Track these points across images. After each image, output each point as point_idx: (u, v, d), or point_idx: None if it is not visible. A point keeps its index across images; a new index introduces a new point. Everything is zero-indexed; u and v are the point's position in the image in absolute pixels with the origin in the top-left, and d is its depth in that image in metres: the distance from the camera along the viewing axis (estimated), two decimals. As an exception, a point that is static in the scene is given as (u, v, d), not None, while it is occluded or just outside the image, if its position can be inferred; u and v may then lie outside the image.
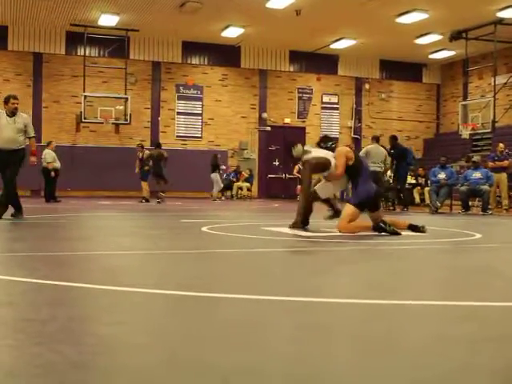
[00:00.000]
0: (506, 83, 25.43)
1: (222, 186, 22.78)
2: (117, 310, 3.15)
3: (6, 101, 10.14)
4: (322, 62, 28.00)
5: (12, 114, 10.06)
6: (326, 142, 8.98)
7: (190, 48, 26.36)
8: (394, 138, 17.32)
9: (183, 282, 4.06)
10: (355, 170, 8.23)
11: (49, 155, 18.33)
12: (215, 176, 21.96)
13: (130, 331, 2.69)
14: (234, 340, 2.54)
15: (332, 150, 8.64)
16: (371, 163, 14.58)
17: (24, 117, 10.35)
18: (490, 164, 17.26)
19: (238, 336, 2.61)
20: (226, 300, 3.45)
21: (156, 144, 20.65)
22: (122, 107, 24.20)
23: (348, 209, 8.19)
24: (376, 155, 15.65)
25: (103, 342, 2.49)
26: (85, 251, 5.91)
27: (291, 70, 28.08)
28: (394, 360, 2.30)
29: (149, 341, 2.53)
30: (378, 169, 15.39)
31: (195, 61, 26.75)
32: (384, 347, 2.48)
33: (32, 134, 10.31)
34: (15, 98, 10.23)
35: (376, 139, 16.61)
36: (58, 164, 18.51)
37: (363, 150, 16.16)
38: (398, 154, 16.75)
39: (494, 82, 23.47)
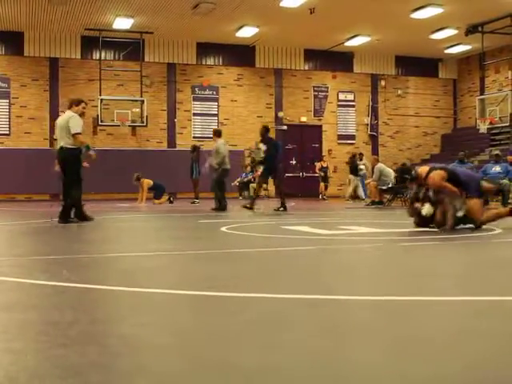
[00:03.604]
0: (523, 76, 25.23)
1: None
2: (139, 312, 3.15)
3: (78, 103, 10.17)
4: (337, 60, 27.91)
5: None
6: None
7: (205, 49, 26.37)
8: (265, 130, 15.42)
9: (204, 282, 4.06)
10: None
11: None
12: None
13: (152, 332, 2.69)
14: (258, 340, 2.54)
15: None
16: (225, 163, 14.75)
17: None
18: (510, 158, 17.13)
19: (262, 336, 2.60)
20: (250, 299, 3.44)
21: (193, 147, 20.33)
22: (138, 110, 24.27)
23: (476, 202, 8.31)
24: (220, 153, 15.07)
25: (126, 344, 2.49)
26: (105, 253, 5.92)
27: (306, 68, 28.02)
28: (420, 356, 2.29)
29: (172, 341, 2.53)
30: (228, 166, 15.17)
31: (210, 61, 26.77)
32: (409, 343, 2.46)
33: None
34: (86, 103, 10.41)
35: (217, 133, 15.97)
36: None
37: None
38: (270, 147, 14.89)
39: (511, 75, 23.30)
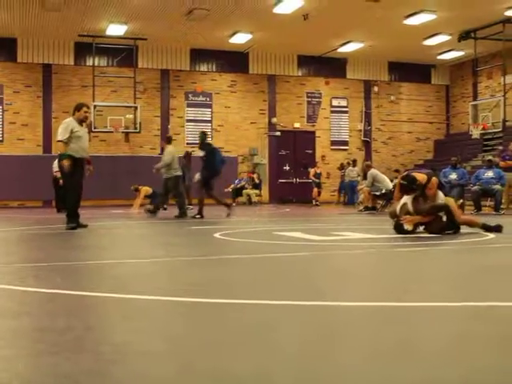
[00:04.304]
0: (515, 82, 25.32)
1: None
2: (132, 318, 3.15)
3: (79, 108, 10.06)
4: (331, 66, 27.98)
5: (81, 122, 10.05)
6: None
7: (198, 55, 26.41)
8: (203, 135, 14.93)
9: (197, 289, 4.06)
10: None
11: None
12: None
13: (145, 339, 2.69)
14: (250, 346, 2.54)
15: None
16: (172, 170, 14.40)
17: (85, 126, 10.36)
18: (502, 163, 17.19)
19: (254, 342, 2.60)
20: (243, 306, 3.44)
21: (185, 154, 20.29)
22: (131, 116, 24.28)
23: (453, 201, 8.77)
24: (175, 160, 14.70)
25: (119, 351, 2.49)
26: (98, 260, 5.92)
27: (300, 74, 28.08)
28: (412, 363, 2.29)
29: (165, 348, 2.54)
30: (179, 173, 14.79)
31: (203, 68, 26.80)
32: (403, 350, 2.47)
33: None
34: (88, 107, 10.26)
35: (167, 140, 15.46)
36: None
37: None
38: (207, 154, 14.33)
39: (504, 81, 23.41)
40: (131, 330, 2.83)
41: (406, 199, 8.47)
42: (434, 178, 8.74)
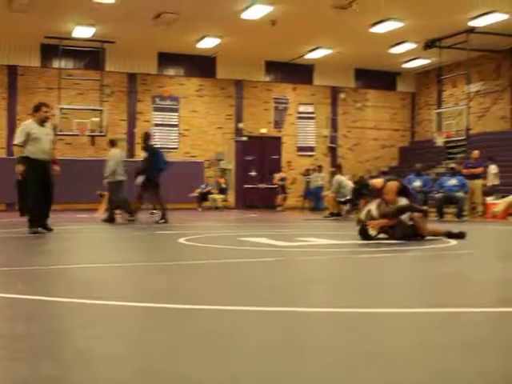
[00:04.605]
0: (478, 91, 25.75)
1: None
2: (93, 324, 3.14)
3: (37, 109, 9.82)
4: (298, 72, 28.13)
5: (42, 123, 9.85)
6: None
7: (166, 59, 26.35)
8: (146, 136, 14.67)
9: (160, 294, 4.06)
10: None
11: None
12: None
13: (107, 344, 2.69)
14: (211, 352, 2.55)
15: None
16: (116, 174, 14.12)
17: (49, 126, 10.15)
18: (465, 171, 17.44)
19: (215, 348, 2.62)
20: (203, 311, 3.45)
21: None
22: (97, 119, 24.10)
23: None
24: (118, 162, 14.39)
25: (80, 356, 2.49)
26: (60, 265, 5.88)
27: (267, 80, 28.17)
28: (375, 369, 2.32)
29: (126, 354, 2.54)
30: (122, 177, 14.37)
31: (171, 72, 26.75)
32: (366, 356, 2.50)
33: (54, 144, 10.18)
34: (47, 105, 10.00)
35: (112, 143, 15.03)
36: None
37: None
38: (150, 156, 14.12)
39: (468, 90, 23.77)
40: (92, 336, 2.82)
41: (371, 205, 8.55)
42: (391, 182, 8.78)
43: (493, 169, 19.03)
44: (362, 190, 8.67)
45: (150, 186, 14.02)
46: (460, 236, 8.65)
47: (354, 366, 2.35)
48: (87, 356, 2.50)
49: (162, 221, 13.73)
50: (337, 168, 18.47)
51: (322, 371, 2.29)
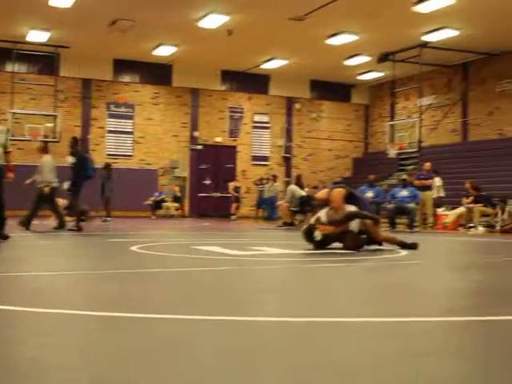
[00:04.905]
0: (430, 104, 26.23)
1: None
2: (44, 332, 3.12)
3: None
4: (254, 82, 28.26)
5: None
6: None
7: (122, 66, 26.21)
8: (74, 141, 14.25)
9: (111, 303, 4.04)
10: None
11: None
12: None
13: (58, 353, 2.67)
14: (163, 361, 2.56)
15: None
16: (50, 181, 13.61)
17: (2, 130, 9.89)
18: (416, 182, 17.73)
19: (167, 357, 2.62)
20: (156, 320, 3.45)
21: (105, 165, 20.05)
22: (51, 125, 23.80)
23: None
24: (51, 169, 13.88)
25: (33, 366, 2.47)
26: (11, 272, 5.80)
27: (223, 89, 28.23)
28: (327, 379, 2.36)
29: (78, 363, 2.53)
30: (55, 184, 13.90)
31: (126, 79, 26.61)
32: (318, 366, 2.53)
33: (10, 148, 9.90)
34: None
35: (43, 149, 14.42)
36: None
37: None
38: (77, 161, 13.66)
39: (420, 103, 24.19)
40: (44, 345, 2.80)
41: (320, 213, 8.63)
42: (336, 189, 8.84)
43: (437, 181, 19.34)
44: (308, 206, 8.78)
45: (75, 192, 13.57)
46: (412, 247, 8.79)
47: (305, 376, 2.38)
48: (39, 365, 2.48)
49: (75, 228, 13.11)
50: (297, 178, 18.58)
51: (274, 382, 2.32)
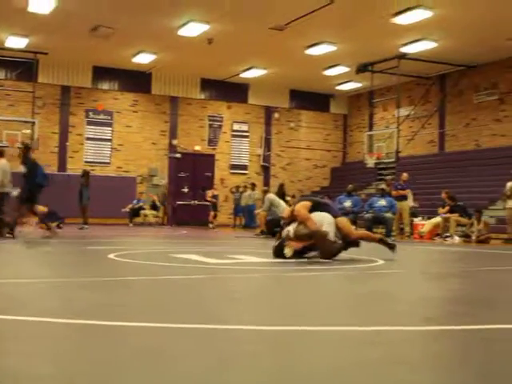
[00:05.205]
0: (408, 115, 26.43)
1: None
2: (19, 341, 3.08)
3: None
4: (233, 91, 28.31)
5: None
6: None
7: (101, 73, 26.13)
8: (26, 149, 14.03)
9: (87, 311, 4.01)
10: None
11: None
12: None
13: (33, 362, 2.64)
14: (139, 369, 2.54)
15: None
16: (4, 186, 13.19)
17: None
18: (394, 193, 17.84)
19: (144, 365, 2.60)
20: (134, 329, 3.43)
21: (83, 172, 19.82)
22: (28, 131, 23.65)
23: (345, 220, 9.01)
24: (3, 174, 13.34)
25: (6, 375, 2.44)
26: (-14, 279, 5.74)
27: (202, 97, 28.24)
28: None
29: (53, 372, 2.50)
30: (8, 189, 13.54)
31: (106, 86, 26.52)
32: (293, 374, 2.54)
33: None
34: None
35: None
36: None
37: None
38: (29, 169, 13.39)
39: (398, 113, 24.38)
40: (18, 353, 2.77)
41: (291, 226, 8.64)
42: (299, 204, 8.83)
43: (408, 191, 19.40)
44: (275, 229, 8.81)
45: (25, 200, 13.29)
46: (391, 247, 8.80)
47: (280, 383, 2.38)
48: (14, 374, 2.45)
49: (8, 235, 12.82)
50: (280, 187, 18.62)
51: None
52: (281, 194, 17.90)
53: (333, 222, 8.64)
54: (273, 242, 9.10)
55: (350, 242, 8.79)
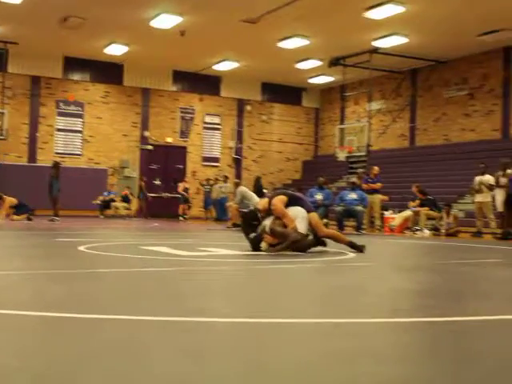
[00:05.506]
0: (379, 109, 26.60)
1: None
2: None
3: None
4: (205, 83, 28.24)
5: None
6: None
7: (72, 63, 25.88)
8: None
9: (56, 303, 3.98)
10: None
11: None
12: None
13: (1, 355, 2.62)
14: (111, 364, 2.53)
15: None
16: None
17: None
18: (365, 186, 17.96)
19: (115, 359, 2.59)
20: (104, 321, 3.41)
21: (54, 164, 19.59)
22: (-2, 122, 23.37)
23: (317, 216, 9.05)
24: None
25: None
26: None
27: (174, 89, 28.12)
28: (271, 378, 2.37)
29: (21, 365, 2.48)
30: None
31: (77, 77, 26.28)
32: (263, 365, 2.55)
33: None
34: None
35: None
36: None
37: None
38: None
39: (369, 107, 24.52)
40: (-14, 344, 2.75)
41: (267, 220, 8.65)
42: (275, 198, 8.80)
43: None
44: (253, 220, 8.78)
45: None
46: (360, 249, 8.88)
47: (252, 376, 2.39)
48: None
49: None
50: (256, 180, 18.60)
51: (223, 382, 2.32)
52: (258, 187, 17.88)
53: (306, 217, 8.69)
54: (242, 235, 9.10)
55: (318, 240, 8.86)
